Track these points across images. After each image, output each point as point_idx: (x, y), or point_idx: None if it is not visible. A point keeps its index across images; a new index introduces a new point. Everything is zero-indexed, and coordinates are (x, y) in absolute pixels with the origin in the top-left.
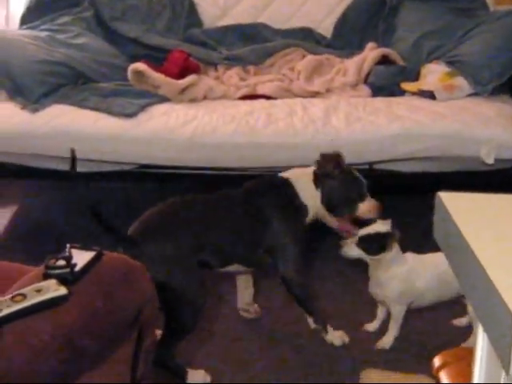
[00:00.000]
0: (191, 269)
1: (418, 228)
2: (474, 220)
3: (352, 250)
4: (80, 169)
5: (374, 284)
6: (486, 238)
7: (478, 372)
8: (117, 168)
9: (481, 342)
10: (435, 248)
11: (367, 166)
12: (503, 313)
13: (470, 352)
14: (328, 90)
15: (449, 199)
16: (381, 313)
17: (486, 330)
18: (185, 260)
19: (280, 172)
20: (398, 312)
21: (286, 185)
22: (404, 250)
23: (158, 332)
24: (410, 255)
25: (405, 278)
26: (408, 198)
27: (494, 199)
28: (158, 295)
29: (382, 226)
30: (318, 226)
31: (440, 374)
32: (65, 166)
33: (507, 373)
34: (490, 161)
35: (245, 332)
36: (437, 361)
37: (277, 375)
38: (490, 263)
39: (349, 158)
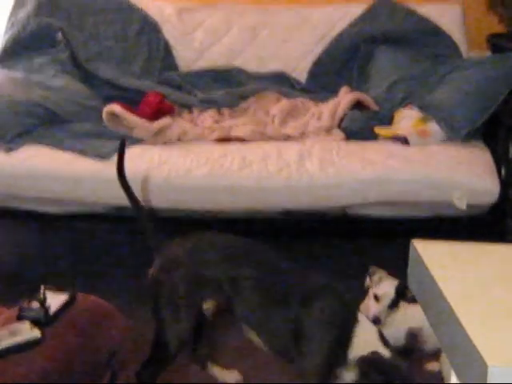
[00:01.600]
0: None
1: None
2: (449, 269)
3: (384, 313)
4: (54, 210)
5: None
6: (461, 287)
7: None
8: (92, 210)
9: None
10: None
11: (340, 211)
12: (478, 363)
13: None
14: (302, 134)
15: (423, 247)
16: None
17: (459, 377)
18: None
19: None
20: None
21: None
22: None
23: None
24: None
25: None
26: (383, 243)
27: (468, 248)
28: None
29: (391, 279)
30: None
31: None
32: (38, 207)
33: None
34: (463, 206)
35: None
36: None
37: None
38: (462, 311)
39: (322, 202)
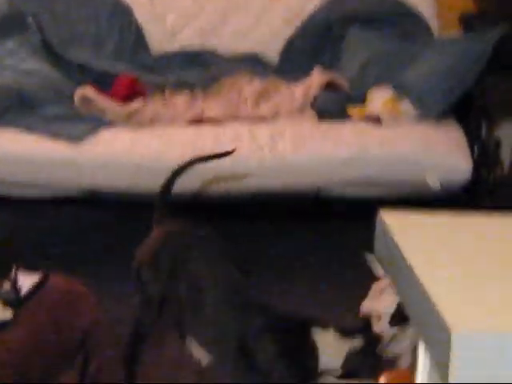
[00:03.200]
0: None
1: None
2: (414, 237)
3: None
4: (26, 194)
5: None
6: (427, 256)
7: None
8: (64, 193)
9: (422, 359)
10: None
11: (314, 192)
12: (442, 328)
13: (412, 373)
14: (275, 115)
15: (390, 216)
16: None
17: (425, 344)
18: None
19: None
20: None
21: None
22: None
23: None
24: None
25: None
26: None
27: (435, 218)
28: None
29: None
30: None
31: None
32: (10, 191)
33: (446, 380)
34: (436, 187)
35: None
36: (382, 379)
37: None
38: (428, 279)
39: (295, 184)
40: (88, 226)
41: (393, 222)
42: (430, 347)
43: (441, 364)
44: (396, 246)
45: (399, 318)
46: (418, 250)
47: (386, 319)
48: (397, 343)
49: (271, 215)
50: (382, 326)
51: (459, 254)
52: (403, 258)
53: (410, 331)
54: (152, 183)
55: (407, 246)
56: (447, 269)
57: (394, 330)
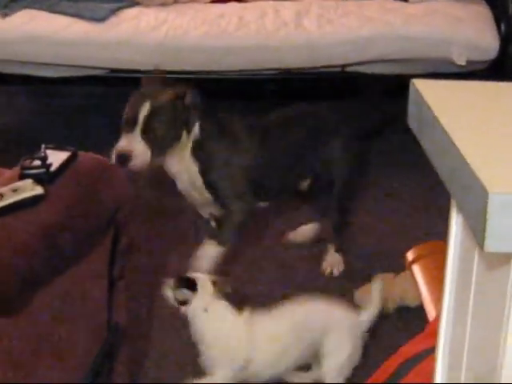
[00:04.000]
0: None
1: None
2: (448, 104)
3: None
4: (51, 74)
5: None
6: (461, 121)
7: (452, 258)
8: (88, 73)
9: (454, 224)
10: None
11: (339, 69)
12: (478, 191)
13: (443, 245)
14: None
15: (423, 85)
16: None
17: (460, 210)
18: None
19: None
20: None
21: None
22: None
23: None
24: None
25: None
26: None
27: (469, 85)
28: None
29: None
30: None
31: (413, 267)
32: (35, 72)
33: (482, 248)
34: (462, 62)
35: None
36: (410, 255)
37: None
38: (464, 144)
39: (321, 60)
40: (112, 104)
41: (426, 89)
42: (465, 214)
43: (476, 231)
44: (430, 112)
45: None
46: (453, 115)
47: None
48: None
49: (296, 93)
50: None
51: (495, 119)
52: (438, 123)
53: None
54: (175, 61)
55: (441, 112)
56: (483, 132)
57: None
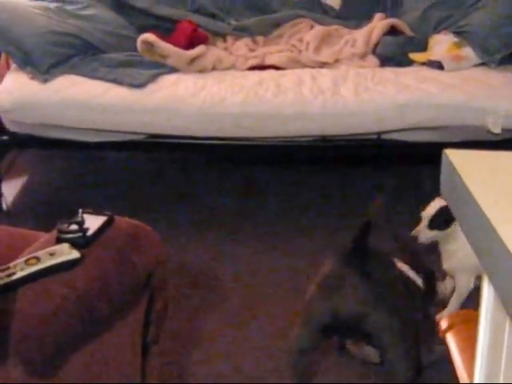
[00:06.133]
0: None
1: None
2: (480, 175)
3: (426, 234)
4: (89, 139)
5: (446, 258)
6: (493, 193)
7: (483, 328)
8: (126, 138)
9: (486, 295)
10: None
11: (375, 136)
12: (508, 262)
13: (476, 314)
14: (336, 61)
15: (455, 156)
16: (445, 288)
17: (490, 279)
18: None
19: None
20: (464, 285)
21: None
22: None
23: None
24: None
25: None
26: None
27: (501, 156)
28: None
29: (440, 201)
30: None
31: (447, 335)
32: (74, 136)
33: None
34: (497, 130)
35: None
36: (444, 323)
37: None
38: (495, 216)
39: (357, 128)
40: (150, 171)
41: (458, 160)
42: (496, 285)
43: (507, 302)
44: (462, 184)
45: (439, 221)
46: (485, 187)
47: (425, 221)
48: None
49: (333, 160)
50: (419, 229)
51: None
52: (470, 196)
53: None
54: (213, 128)
55: (474, 184)
56: None
57: (433, 234)
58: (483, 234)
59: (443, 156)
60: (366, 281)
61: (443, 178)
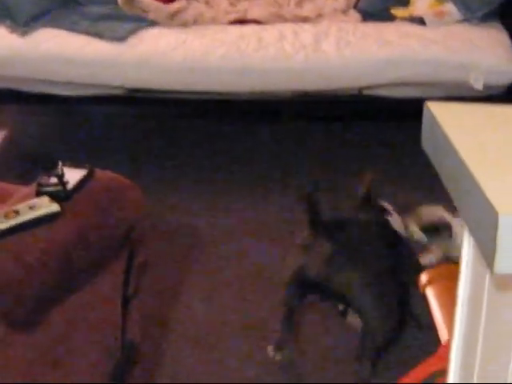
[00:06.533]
0: None
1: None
2: (462, 127)
3: None
4: (69, 93)
5: None
6: (474, 144)
7: (464, 282)
8: (106, 92)
9: (467, 248)
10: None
11: (356, 92)
12: (488, 212)
13: (457, 269)
14: (318, 16)
15: (437, 108)
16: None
17: (471, 232)
18: None
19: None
20: None
21: None
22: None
23: None
24: None
25: None
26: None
27: (482, 109)
28: None
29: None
30: None
31: (427, 290)
32: (54, 90)
33: (492, 271)
34: (479, 86)
35: None
36: (424, 277)
37: None
38: (475, 166)
39: (338, 83)
40: (129, 125)
41: (440, 112)
42: (476, 237)
43: (486, 253)
44: (444, 136)
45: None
46: (466, 138)
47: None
48: (429, 255)
49: (313, 115)
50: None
51: (508, 142)
52: (451, 147)
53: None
54: (194, 82)
55: (455, 135)
56: (495, 155)
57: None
58: (464, 186)
59: (425, 109)
60: (334, 245)
61: (424, 130)
